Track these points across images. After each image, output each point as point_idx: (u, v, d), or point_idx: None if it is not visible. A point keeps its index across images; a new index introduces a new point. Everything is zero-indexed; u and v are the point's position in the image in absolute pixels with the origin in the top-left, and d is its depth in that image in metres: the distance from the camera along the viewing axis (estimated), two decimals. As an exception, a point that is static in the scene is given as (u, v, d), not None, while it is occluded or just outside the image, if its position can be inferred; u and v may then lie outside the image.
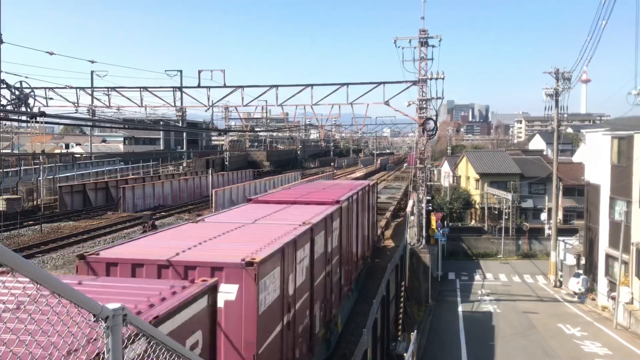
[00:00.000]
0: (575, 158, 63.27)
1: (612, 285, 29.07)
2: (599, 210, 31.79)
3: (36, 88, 31.67)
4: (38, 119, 17.96)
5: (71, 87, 33.77)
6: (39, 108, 30.85)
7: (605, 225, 30.96)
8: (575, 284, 33.58)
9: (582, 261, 35.26)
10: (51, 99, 33.16)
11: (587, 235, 34.81)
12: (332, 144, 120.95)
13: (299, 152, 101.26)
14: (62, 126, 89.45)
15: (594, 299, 32.14)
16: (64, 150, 71.70)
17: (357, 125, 37.21)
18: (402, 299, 21.94)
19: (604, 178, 31.18)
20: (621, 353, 21.98)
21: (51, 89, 33.21)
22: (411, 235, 31.48)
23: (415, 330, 20.11)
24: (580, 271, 34.60)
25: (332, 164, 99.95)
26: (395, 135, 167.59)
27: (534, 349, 22.87)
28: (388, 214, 32.89)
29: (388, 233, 28.32)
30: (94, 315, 2.73)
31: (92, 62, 37.03)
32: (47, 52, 30.38)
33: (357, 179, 73.21)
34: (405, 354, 16.32)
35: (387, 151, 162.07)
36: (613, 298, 28.07)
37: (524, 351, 22.66)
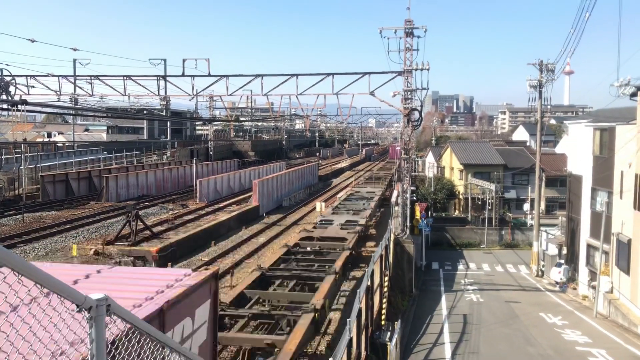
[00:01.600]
0: (558, 149, 63.89)
1: (593, 275, 29.48)
2: (581, 201, 32.14)
3: (17, 76, 31.20)
4: (19, 107, 17.71)
5: (53, 75, 33.28)
6: (20, 96, 30.41)
7: (587, 215, 31.33)
8: (557, 274, 34.02)
9: (564, 251, 35.73)
10: (33, 87, 32.68)
11: (569, 226, 35.24)
12: (317, 134, 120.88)
13: (284, 142, 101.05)
14: (44, 115, 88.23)
15: (575, 289, 32.58)
16: (46, 139, 70.81)
17: (343, 115, 37.18)
18: (386, 289, 22.05)
19: (586, 169, 31.50)
20: (601, 341, 22.32)
21: (33, 76, 32.70)
22: (395, 225, 31.61)
23: (400, 320, 20.25)
24: (562, 261, 35.06)
25: (317, 154, 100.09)
26: (380, 125, 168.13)
27: (516, 338, 23.14)
28: (330, 279, 15.69)
29: (334, 318, 15.46)
30: (77, 306, 2.70)
31: (75, 49, 36.55)
32: (29, 40, 29.92)
33: (342, 169, 73.22)
34: (389, 343, 16.44)
35: (372, 141, 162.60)
36: (593, 287, 28.47)
37: (507, 339, 22.93)
